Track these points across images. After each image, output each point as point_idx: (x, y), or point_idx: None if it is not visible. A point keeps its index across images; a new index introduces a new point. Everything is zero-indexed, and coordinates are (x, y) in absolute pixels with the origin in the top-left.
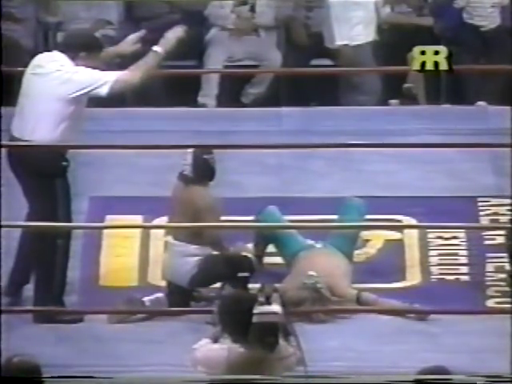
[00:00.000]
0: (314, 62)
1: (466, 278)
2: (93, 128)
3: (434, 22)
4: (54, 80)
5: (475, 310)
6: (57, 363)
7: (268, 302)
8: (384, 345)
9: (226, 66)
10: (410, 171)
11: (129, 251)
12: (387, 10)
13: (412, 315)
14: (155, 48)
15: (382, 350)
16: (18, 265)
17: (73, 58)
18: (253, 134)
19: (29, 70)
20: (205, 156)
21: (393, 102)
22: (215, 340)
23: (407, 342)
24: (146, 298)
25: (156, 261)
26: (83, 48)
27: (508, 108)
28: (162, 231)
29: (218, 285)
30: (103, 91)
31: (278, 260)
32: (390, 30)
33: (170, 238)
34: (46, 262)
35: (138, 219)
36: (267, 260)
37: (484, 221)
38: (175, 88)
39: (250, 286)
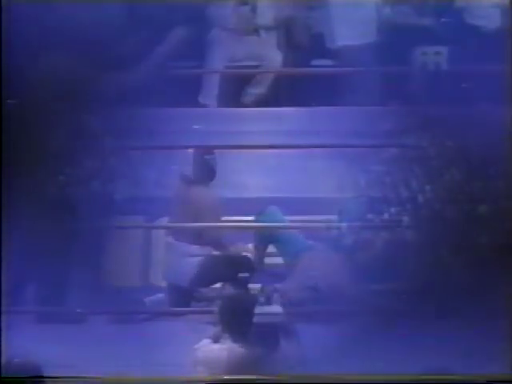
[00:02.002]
0: (314, 62)
1: None
2: None
3: (434, 22)
4: None
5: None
6: (57, 363)
7: (268, 302)
8: (383, 344)
9: (227, 66)
10: (409, 171)
11: (130, 251)
12: (387, 9)
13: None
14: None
15: (381, 350)
16: (19, 265)
17: None
18: (253, 134)
19: None
20: (205, 156)
21: (393, 102)
22: (216, 340)
23: (407, 341)
24: (146, 298)
25: (157, 261)
26: None
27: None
28: (163, 231)
29: (218, 285)
30: None
31: (278, 260)
32: (390, 30)
33: (170, 239)
34: (47, 262)
35: (138, 219)
36: (267, 260)
37: None
38: (175, 88)
39: (251, 286)
